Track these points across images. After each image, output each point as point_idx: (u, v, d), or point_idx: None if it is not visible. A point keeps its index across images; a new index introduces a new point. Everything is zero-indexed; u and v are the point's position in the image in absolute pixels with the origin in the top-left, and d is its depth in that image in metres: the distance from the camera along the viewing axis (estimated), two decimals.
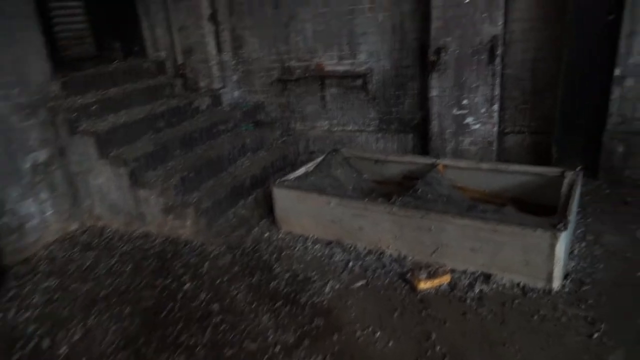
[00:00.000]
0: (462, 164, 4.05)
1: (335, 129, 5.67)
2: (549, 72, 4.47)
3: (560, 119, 4.38)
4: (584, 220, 3.77)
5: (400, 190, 4.20)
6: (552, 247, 2.79)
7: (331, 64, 5.39)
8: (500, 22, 4.28)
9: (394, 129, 5.36)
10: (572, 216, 3.00)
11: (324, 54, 5.38)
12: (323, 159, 4.49)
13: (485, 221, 2.98)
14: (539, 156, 4.77)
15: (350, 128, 5.60)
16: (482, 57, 4.41)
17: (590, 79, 4.15)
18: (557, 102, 4.32)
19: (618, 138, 4.51)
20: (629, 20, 4.05)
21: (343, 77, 5.37)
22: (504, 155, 4.91)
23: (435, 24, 4.51)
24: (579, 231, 3.60)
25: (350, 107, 5.49)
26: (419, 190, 3.51)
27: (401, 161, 4.37)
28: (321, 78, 5.47)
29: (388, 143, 5.41)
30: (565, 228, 2.77)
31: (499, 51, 4.36)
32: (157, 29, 5.43)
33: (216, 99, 5.54)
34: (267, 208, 4.27)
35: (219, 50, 5.61)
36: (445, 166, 4.04)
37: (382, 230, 3.45)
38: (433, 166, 4.06)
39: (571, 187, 3.34)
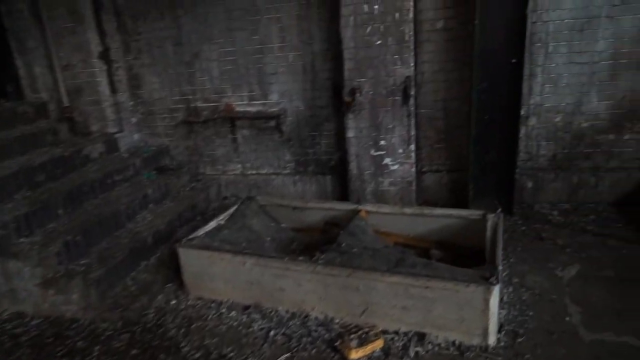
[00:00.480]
0: (386, 209, 3.86)
1: (249, 172, 5.28)
2: (461, 112, 4.52)
3: (474, 157, 4.40)
4: (507, 261, 3.72)
5: (322, 238, 3.91)
6: (486, 302, 2.62)
7: (241, 104, 5.04)
8: (412, 63, 4.26)
9: (312, 171, 5.10)
10: (501, 265, 2.88)
11: (233, 94, 5.03)
12: (237, 209, 4.07)
13: (416, 278, 2.75)
14: (457, 193, 4.77)
15: (265, 171, 5.24)
16: (397, 97, 4.35)
17: (499, 118, 4.23)
18: (470, 140, 4.35)
19: (527, 174, 4.66)
20: (529, 64, 4.23)
21: (255, 118, 5.04)
22: (423, 194, 4.85)
23: (348, 65, 4.38)
24: (504, 274, 3.53)
25: (264, 149, 5.16)
26: (343, 244, 3.22)
27: (321, 207, 4.09)
28: (231, 119, 5.09)
29: (306, 185, 5.13)
30: (498, 281, 2.62)
31: (412, 92, 4.33)
32: (36, 67, 4.72)
33: (111, 145, 4.91)
34: (174, 269, 3.71)
35: (114, 90, 5.02)
36: (367, 212, 3.82)
37: (305, 291, 3.09)
38: (355, 212, 3.82)
39: (495, 231, 3.26)
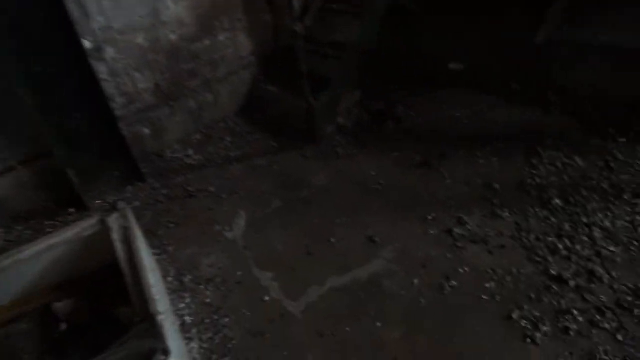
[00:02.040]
0: None
1: None
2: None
3: (53, 130, 2.90)
4: (167, 256, 2.69)
5: None
6: None
7: None
8: None
9: None
10: (166, 309, 1.78)
11: None
12: None
13: None
14: (59, 187, 3.19)
15: None
16: None
17: (57, 69, 2.75)
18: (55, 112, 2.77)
19: (138, 121, 3.52)
20: None
21: None
22: (5, 212, 3.08)
23: None
24: (170, 279, 2.51)
25: None
26: None
27: None
28: None
29: None
30: (169, 353, 1.55)
31: None
32: None
33: None
34: None
35: None
36: None
37: None
38: None
39: (129, 245, 2.09)
